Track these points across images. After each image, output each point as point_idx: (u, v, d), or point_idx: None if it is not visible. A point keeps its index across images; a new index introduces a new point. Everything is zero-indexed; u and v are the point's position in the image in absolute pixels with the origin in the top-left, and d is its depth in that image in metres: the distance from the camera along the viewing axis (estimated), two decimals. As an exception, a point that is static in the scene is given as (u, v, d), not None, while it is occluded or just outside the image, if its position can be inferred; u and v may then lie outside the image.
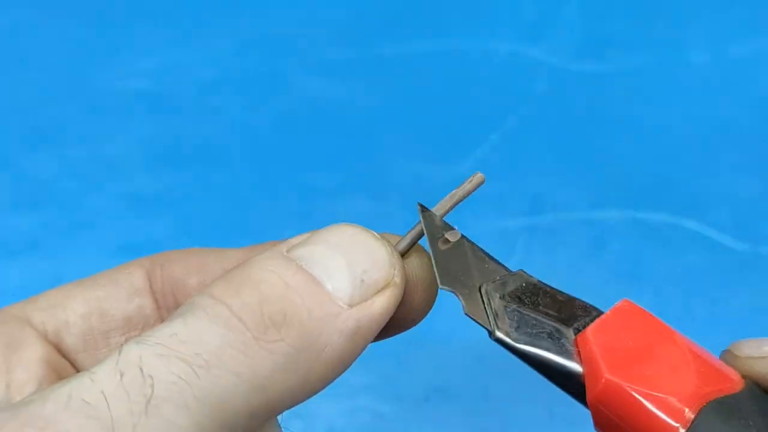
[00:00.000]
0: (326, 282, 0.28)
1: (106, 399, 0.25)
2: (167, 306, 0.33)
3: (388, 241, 0.30)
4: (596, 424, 0.29)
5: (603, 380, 0.29)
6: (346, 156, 0.64)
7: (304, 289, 0.28)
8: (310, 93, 0.67)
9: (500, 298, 0.31)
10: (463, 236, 0.32)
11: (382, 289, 0.29)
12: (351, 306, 0.28)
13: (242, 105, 0.67)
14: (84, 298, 0.33)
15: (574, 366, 0.30)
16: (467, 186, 0.32)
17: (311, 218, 0.61)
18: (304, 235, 0.30)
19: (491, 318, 0.30)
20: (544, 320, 0.31)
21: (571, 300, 0.32)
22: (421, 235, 0.31)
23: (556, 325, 0.31)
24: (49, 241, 0.61)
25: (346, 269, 0.29)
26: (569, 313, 0.31)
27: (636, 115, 0.66)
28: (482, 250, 0.32)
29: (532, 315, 0.31)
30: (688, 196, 0.62)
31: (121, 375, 0.25)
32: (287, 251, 0.29)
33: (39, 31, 0.70)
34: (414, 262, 0.31)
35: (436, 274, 0.30)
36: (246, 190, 0.63)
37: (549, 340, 0.30)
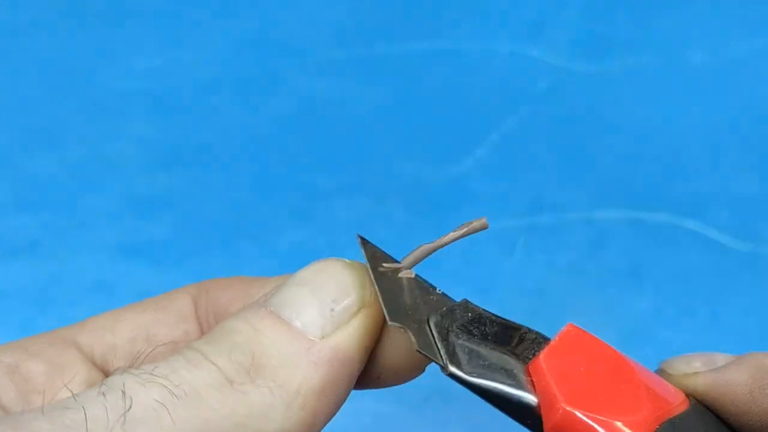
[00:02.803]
0: (295, 320, 0.29)
1: (85, 412, 0.26)
2: None
3: (360, 264, 0.31)
4: None
5: (560, 410, 0.28)
6: (346, 156, 0.64)
7: (272, 331, 0.29)
8: (310, 93, 0.67)
9: (449, 330, 0.30)
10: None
11: (357, 311, 0.29)
12: (324, 337, 0.29)
13: (242, 105, 0.67)
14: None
15: (529, 397, 0.29)
16: (461, 231, 0.32)
17: (311, 218, 0.61)
18: (281, 278, 0.31)
19: (443, 352, 0.29)
20: (493, 351, 0.30)
21: (516, 328, 0.31)
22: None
23: (506, 355, 0.30)
24: (48, 241, 0.61)
25: (313, 303, 0.29)
26: (516, 342, 0.31)
27: (636, 114, 0.66)
28: (425, 280, 0.32)
29: (482, 346, 0.30)
30: (688, 196, 0.62)
31: (104, 395, 0.26)
32: (264, 300, 0.30)
33: (39, 31, 0.70)
34: None
35: (384, 311, 0.30)
36: (246, 190, 0.63)
37: (502, 371, 0.30)
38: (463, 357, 0.30)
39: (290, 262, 0.60)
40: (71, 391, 0.27)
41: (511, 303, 0.56)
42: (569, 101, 0.66)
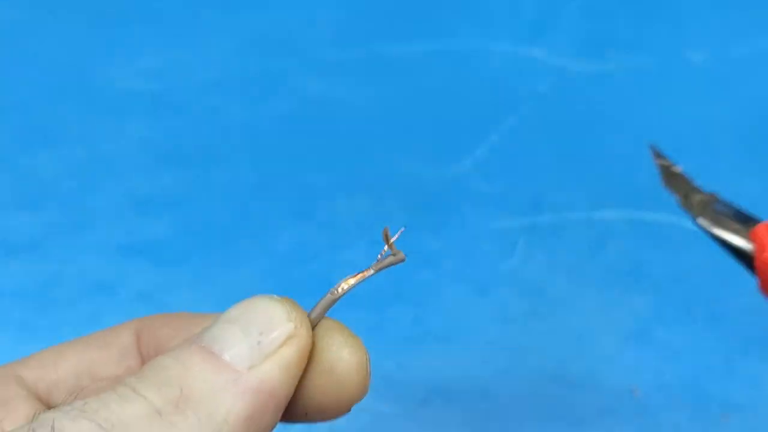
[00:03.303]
0: (224, 353, 0.30)
1: None
2: None
3: (288, 299, 0.32)
4: (763, 287, 0.43)
5: (765, 254, 0.42)
6: (346, 156, 0.64)
7: (201, 365, 0.30)
8: (310, 93, 0.67)
9: (703, 203, 0.45)
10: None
11: (283, 343, 0.30)
12: (252, 368, 0.30)
13: (242, 105, 0.67)
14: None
15: (748, 246, 0.43)
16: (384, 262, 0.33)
17: (311, 218, 0.61)
18: (214, 316, 0.32)
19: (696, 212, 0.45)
20: (729, 218, 0.44)
21: (746, 215, 0.45)
22: (331, 305, 0.32)
23: (737, 222, 0.44)
24: (49, 241, 0.61)
25: (241, 336, 0.30)
26: (744, 219, 0.45)
27: (636, 115, 0.66)
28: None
29: (721, 213, 0.45)
30: (688, 196, 0.62)
31: (33, 430, 0.27)
32: (196, 337, 0.31)
33: (39, 31, 0.70)
34: (326, 338, 0.32)
35: (662, 180, 0.47)
36: (246, 190, 0.63)
37: (733, 230, 0.44)
38: (709, 217, 0.45)
39: (290, 262, 0.60)
40: (2, 431, 0.28)
41: (511, 303, 0.56)
42: (569, 101, 0.66)
